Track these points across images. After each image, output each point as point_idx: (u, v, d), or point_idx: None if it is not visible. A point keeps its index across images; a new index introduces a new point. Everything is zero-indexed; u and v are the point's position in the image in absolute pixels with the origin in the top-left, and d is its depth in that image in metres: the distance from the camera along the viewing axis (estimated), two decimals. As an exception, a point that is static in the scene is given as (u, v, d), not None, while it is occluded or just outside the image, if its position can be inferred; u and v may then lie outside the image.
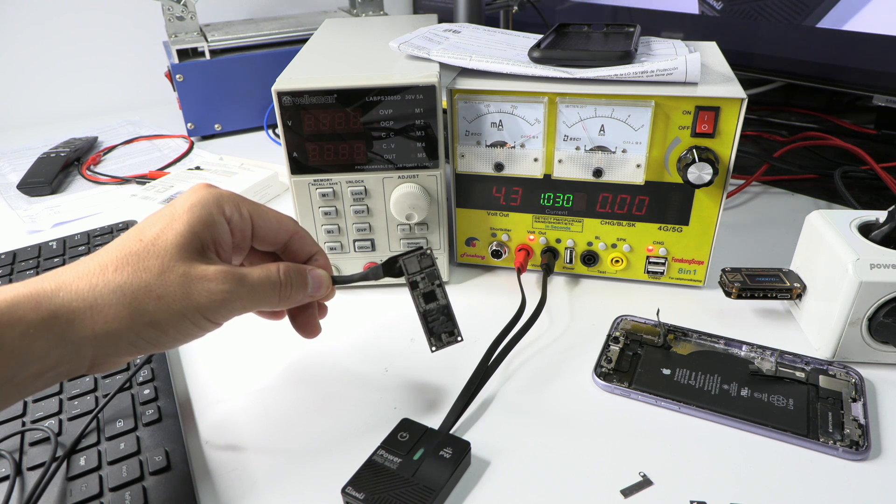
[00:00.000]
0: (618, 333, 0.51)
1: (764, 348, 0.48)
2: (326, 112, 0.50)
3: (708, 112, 0.49)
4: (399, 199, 0.53)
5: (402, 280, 0.58)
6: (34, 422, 0.44)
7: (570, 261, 0.59)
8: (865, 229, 0.48)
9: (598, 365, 0.48)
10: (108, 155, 0.95)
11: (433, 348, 0.43)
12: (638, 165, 0.52)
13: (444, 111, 0.53)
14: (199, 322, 0.36)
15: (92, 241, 0.67)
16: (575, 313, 0.55)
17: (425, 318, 0.43)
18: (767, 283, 0.51)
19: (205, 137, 0.99)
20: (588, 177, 0.54)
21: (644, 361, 0.48)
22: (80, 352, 0.33)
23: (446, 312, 0.43)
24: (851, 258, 0.45)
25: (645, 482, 0.39)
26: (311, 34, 0.70)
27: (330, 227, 0.56)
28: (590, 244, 0.57)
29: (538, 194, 0.56)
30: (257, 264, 0.44)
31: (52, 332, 0.32)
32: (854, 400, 0.44)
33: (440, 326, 0.43)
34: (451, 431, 0.42)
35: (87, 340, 0.33)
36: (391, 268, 0.44)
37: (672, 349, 0.49)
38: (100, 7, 1.08)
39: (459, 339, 0.44)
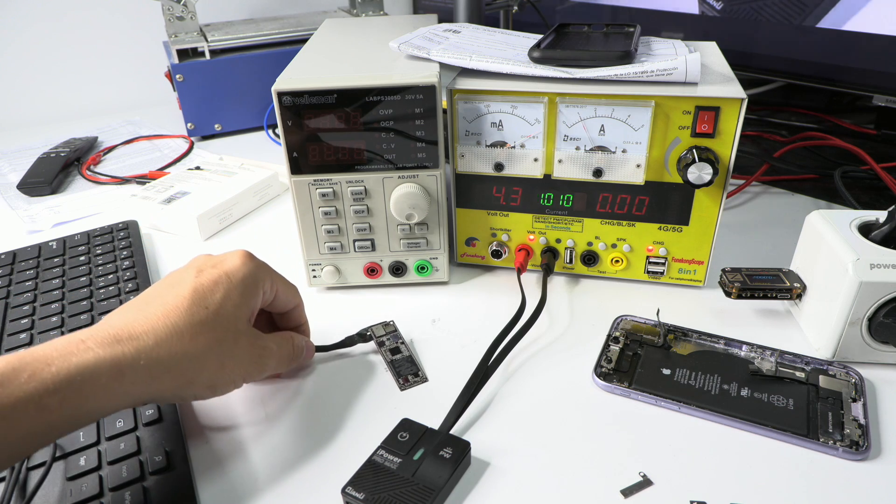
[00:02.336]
0: (618, 333, 0.51)
1: (764, 348, 0.48)
2: (326, 112, 0.50)
3: (708, 112, 0.49)
4: (399, 199, 0.53)
5: (401, 280, 0.58)
6: (34, 422, 0.44)
7: (570, 261, 0.59)
8: (865, 229, 0.48)
9: (598, 365, 0.48)
10: (108, 155, 0.95)
11: (402, 388, 0.47)
12: (638, 165, 0.52)
13: (444, 111, 0.53)
14: (240, 383, 0.41)
15: (92, 241, 0.66)
16: (575, 313, 0.55)
17: (393, 365, 0.49)
18: (767, 283, 0.51)
19: (205, 137, 0.99)
20: (588, 177, 0.54)
21: (644, 361, 0.48)
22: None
23: (410, 360, 0.49)
24: (851, 258, 0.45)
25: (645, 482, 0.39)
26: (311, 34, 0.70)
27: (330, 227, 0.56)
28: (590, 244, 0.57)
29: (538, 194, 0.56)
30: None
31: (127, 396, 0.34)
32: (854, 400, 0.44)
33: (406, 370, 0.49)
34: (451, 431, 0.42)
35: (148, 395, 0.36)
36: (363, 336, 0.51)
37: (672, 349, 0.49)
38: (100, 7, 1.08)
39: (425, 380, 0.48)
